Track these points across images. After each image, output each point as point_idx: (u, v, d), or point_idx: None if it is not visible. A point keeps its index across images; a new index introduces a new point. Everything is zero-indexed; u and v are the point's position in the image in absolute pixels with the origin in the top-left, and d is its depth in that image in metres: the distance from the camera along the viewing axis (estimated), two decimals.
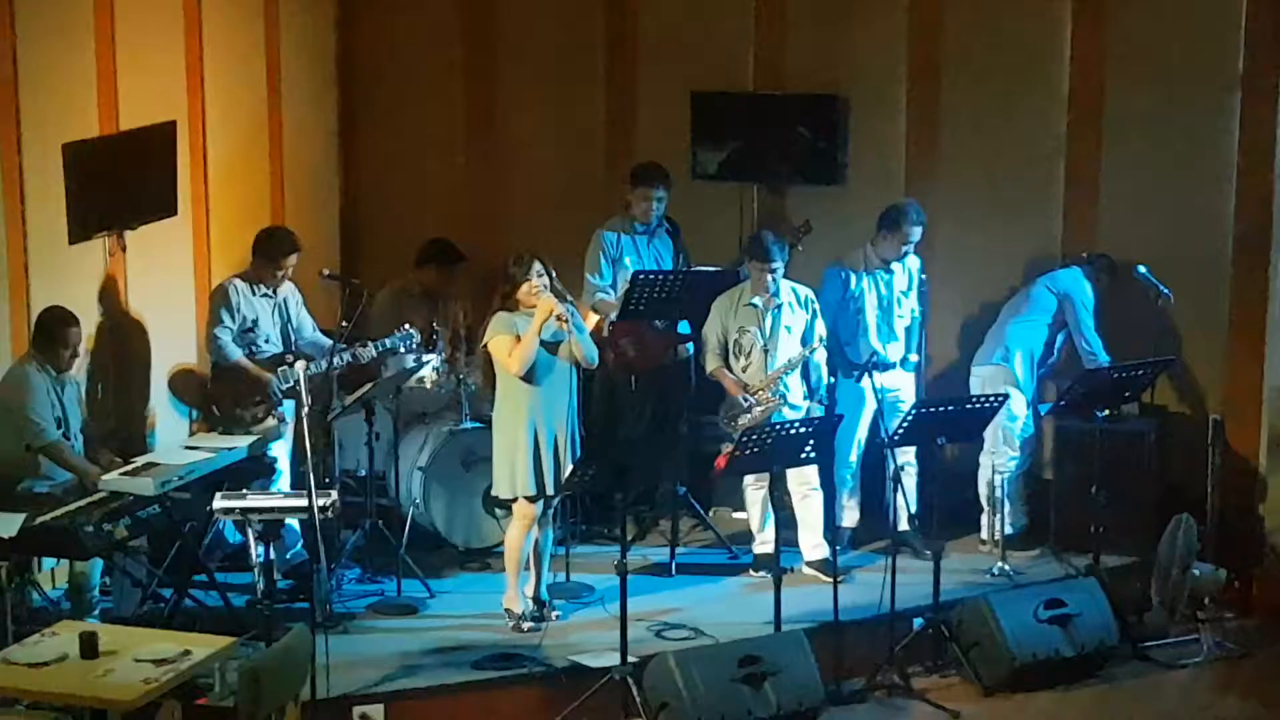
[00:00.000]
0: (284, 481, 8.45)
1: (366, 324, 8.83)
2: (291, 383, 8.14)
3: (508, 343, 7.74)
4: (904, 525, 8.53)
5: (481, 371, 8.25)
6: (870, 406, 8.46)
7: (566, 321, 7.67)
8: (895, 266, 8.81)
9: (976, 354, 9.04)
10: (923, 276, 8.87)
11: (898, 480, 8.01)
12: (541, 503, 7.89)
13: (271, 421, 8.47)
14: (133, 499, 7.48)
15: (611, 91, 10.10)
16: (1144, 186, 9.17)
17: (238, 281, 8.61)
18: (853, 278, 8.77)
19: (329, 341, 8.55)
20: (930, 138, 9.51)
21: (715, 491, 9.31)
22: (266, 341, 8.62)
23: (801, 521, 8.63)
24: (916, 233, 8.71)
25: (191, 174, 9.15)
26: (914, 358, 8.90)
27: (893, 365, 8.79)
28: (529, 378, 7.77)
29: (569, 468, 7.73)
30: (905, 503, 8.46)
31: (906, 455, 8.72)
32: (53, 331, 7.75)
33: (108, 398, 8.62)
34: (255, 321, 8.58)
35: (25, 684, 6.22)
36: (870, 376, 8.19)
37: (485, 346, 7.89)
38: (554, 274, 7.88)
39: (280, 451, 8.50)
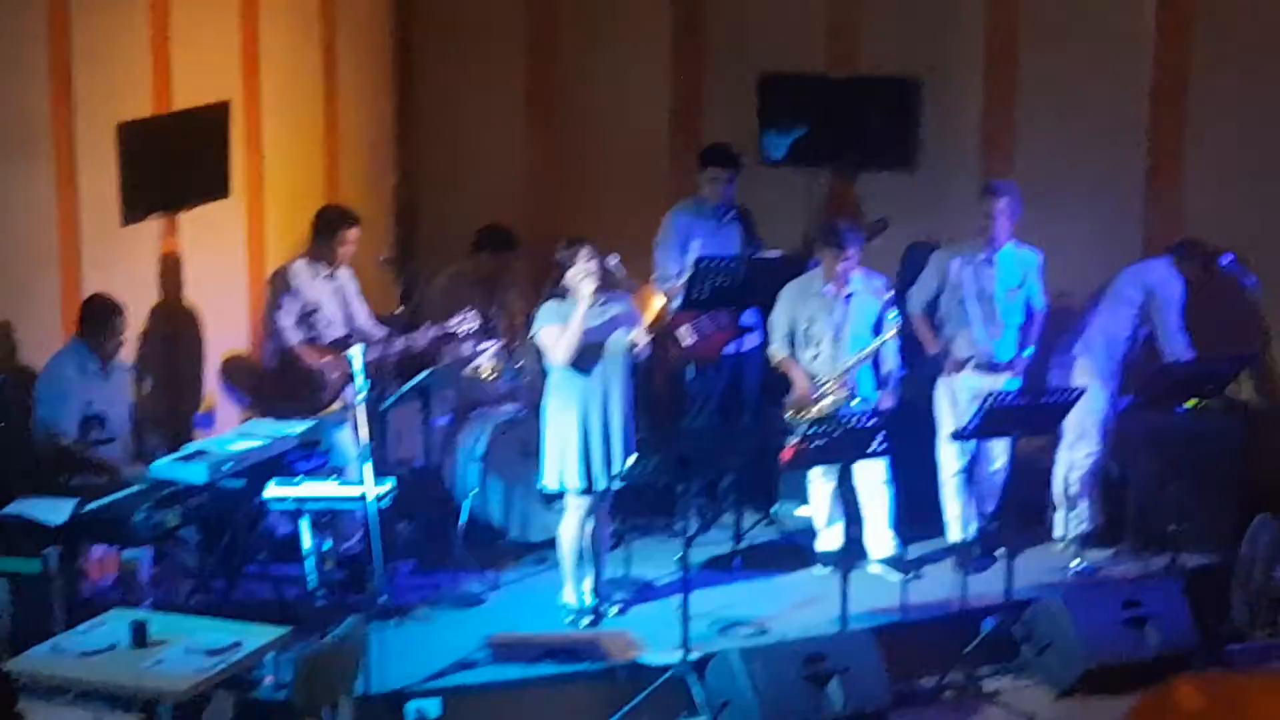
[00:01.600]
0: (352, 470, 8.31)
1: (423, 310, 8.71)
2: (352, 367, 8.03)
3: (555, 331, 7.63)
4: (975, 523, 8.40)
5: (535, 361, 8.12)
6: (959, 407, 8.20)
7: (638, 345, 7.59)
8: (1003, 259, 8.41)
9: (1058, 345, 8.79)
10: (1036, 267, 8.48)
11: (969, 476, 7.83)
12: (594, 494, 7.71)
13: (336, 406, 8.36)
14: (184, 486, 7.40)
15: (678, 73, 9.97)
16: (1230, 171, 8.98)
17: (299, 264, 8.54)
18: (953, 264, 8.44)
19: (383, 330, 8.42)
20: (1006, 121, 9.35)
21: (781, 485, 9.11)
22: (329, 325, 8.53)
23: (869, 517, 8.44)
24: (997, 207, 8.28)
25: (246, 155, 9.07)
26: (1026, 353, 8.50)
27: (998, 365, 8.43)
28: (580, 367, 7.61)
29: (619, 459, 7.59)
30: (977, 501, 8.31)
31: (1002, 459, 8.40)
32: (99, 319, 7.71)
33: (159, 383, 8.52)
34: (318, 305, 8.50)
35: (75, 673, 6.16)
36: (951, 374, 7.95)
37: (534, 337, 7.77)
38: (615, 260, 7.73)
39: (347, 438, 8.36)
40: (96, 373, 7.71)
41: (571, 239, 7.72)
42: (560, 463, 7.68)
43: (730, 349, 8.92)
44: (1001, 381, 8.36)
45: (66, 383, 7.61)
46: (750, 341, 8.86)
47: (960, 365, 8.39)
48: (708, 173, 8.93)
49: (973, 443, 8.27)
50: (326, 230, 8.51)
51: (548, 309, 7.69)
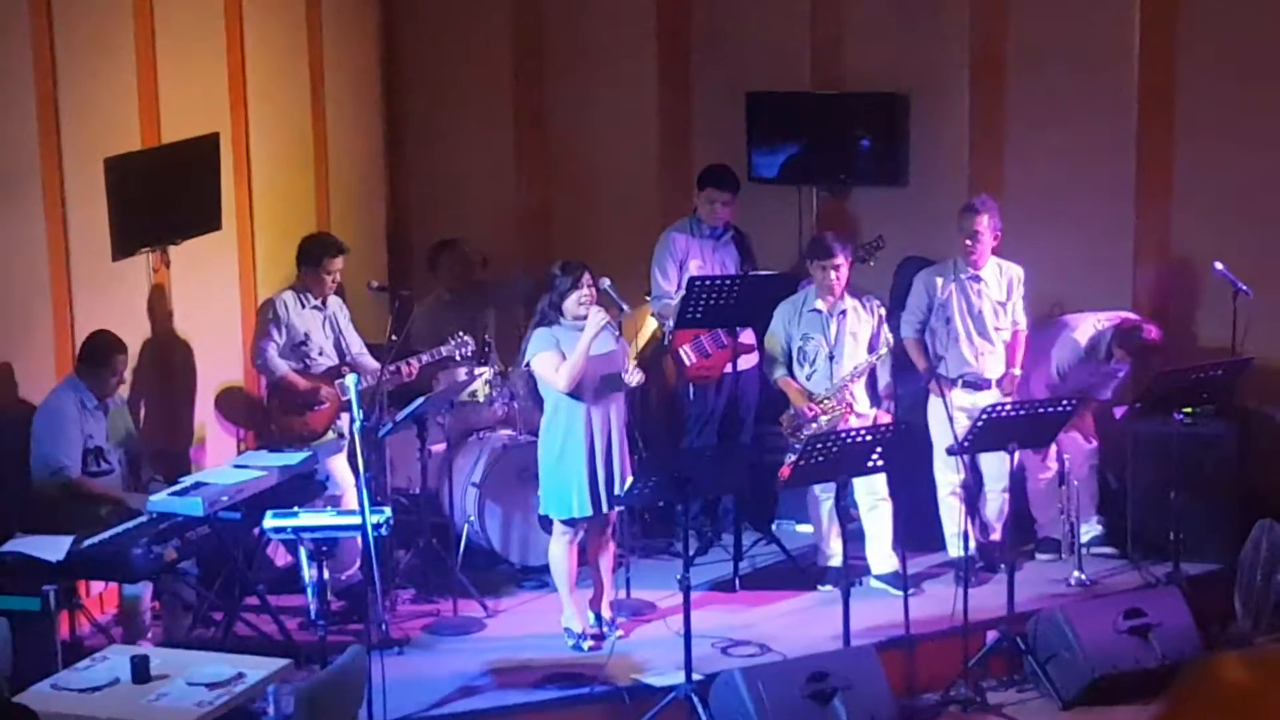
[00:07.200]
0: (349, 499, 8.27)
1: (414, 338, 8.71)
2: (345, 396, 8.00)
3: (552, 359, 7.52)
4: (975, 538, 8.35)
5: (526, 389, 8.06)
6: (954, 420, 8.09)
7: (635, 374, 7.54)
8: (987, 275, 8.41)
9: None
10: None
11: (970, 490, 7.79)
12: (589, 518, 7.67)
13: (330, 435, 8.31)
14: (181, 520, 7.36)
15: (664, 93, 9.95)
16: (1219, 178, 8.96)
17: (286, 295, 8.50)
18: (938, 283, 8.44)
19: (375, 363, 8.42)
20: (995, 136, 9.34)
21: (780, 503, 9.09)
22: (320, 354, 8.51)
23: (869, 533, 8.41)
24: (977, 225, 8.25)
25: (235, 187, 9.04)
26: (1016, 372, 8.46)
27: (986, 384, 8.41)
28: (577, 393, 7.55)
29: (620, 482, 7.54)
30: (979, 517, 8.27)
31: (1003, 480, 8.29)
32: (102, 356, 7.67)
33: (153, 417, 8.48)
34: (307, 335, 8.47)
35: (77, 710, 6.10)
36: (943, 394, 7.96)
37: (528, 364, 7.67)
38: (607, 283, 7.67)
39: (343, 467, 8.32)
40: (95, 408, 7.68)
41: (566, 263, 7.63)
42: (563, 490, 7.61)
43: (727, 368, 8.90)
44: (990, 399, 8.29)
45: (68, 418, 7.57)
46: (747, 361, 8.83)
47: (950, 384, 8.30)
48: (706, 194, 8.85)
49: (967, 460, 8.21)
50: (310, 260, 8.48)
51: (541, 336, 7.58)
